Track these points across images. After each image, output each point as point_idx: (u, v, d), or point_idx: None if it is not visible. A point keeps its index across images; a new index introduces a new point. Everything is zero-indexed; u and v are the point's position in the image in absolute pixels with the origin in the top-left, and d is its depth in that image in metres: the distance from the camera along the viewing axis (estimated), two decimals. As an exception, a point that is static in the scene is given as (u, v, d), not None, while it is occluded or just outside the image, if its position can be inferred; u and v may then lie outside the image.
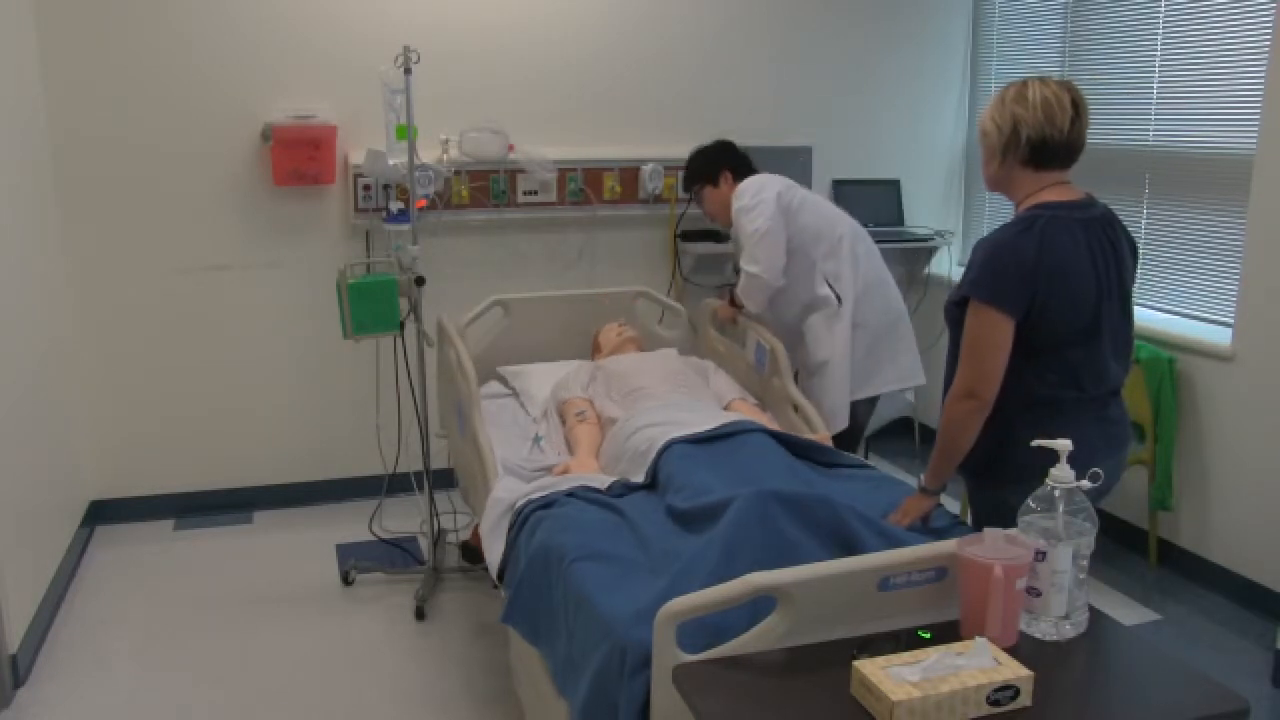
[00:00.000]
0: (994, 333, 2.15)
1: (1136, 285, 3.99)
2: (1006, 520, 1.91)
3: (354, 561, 3.68)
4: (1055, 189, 2.23)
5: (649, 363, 3.36)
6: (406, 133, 3.40)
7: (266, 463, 4.28)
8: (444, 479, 3.93)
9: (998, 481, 2.29)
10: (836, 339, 3.46)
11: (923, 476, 2.35)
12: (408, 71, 3.32)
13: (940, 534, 2.32)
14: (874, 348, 3.53)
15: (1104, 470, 2.01)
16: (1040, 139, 2.17)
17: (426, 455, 3.66)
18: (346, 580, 3.62)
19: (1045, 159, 2.20)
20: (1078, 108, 2.17)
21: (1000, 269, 2.16)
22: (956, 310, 2.26)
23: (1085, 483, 1.79)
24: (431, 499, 3.62)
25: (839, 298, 3.46)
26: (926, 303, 4.81)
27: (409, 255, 3.46)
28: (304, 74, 4.04)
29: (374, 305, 3.33)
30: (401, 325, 3.42)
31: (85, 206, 3.90)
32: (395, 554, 3.79)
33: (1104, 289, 2.22)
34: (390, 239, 3.89)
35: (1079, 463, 1.82)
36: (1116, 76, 4.13)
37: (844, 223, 3.53)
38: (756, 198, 3.45)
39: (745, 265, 3.47)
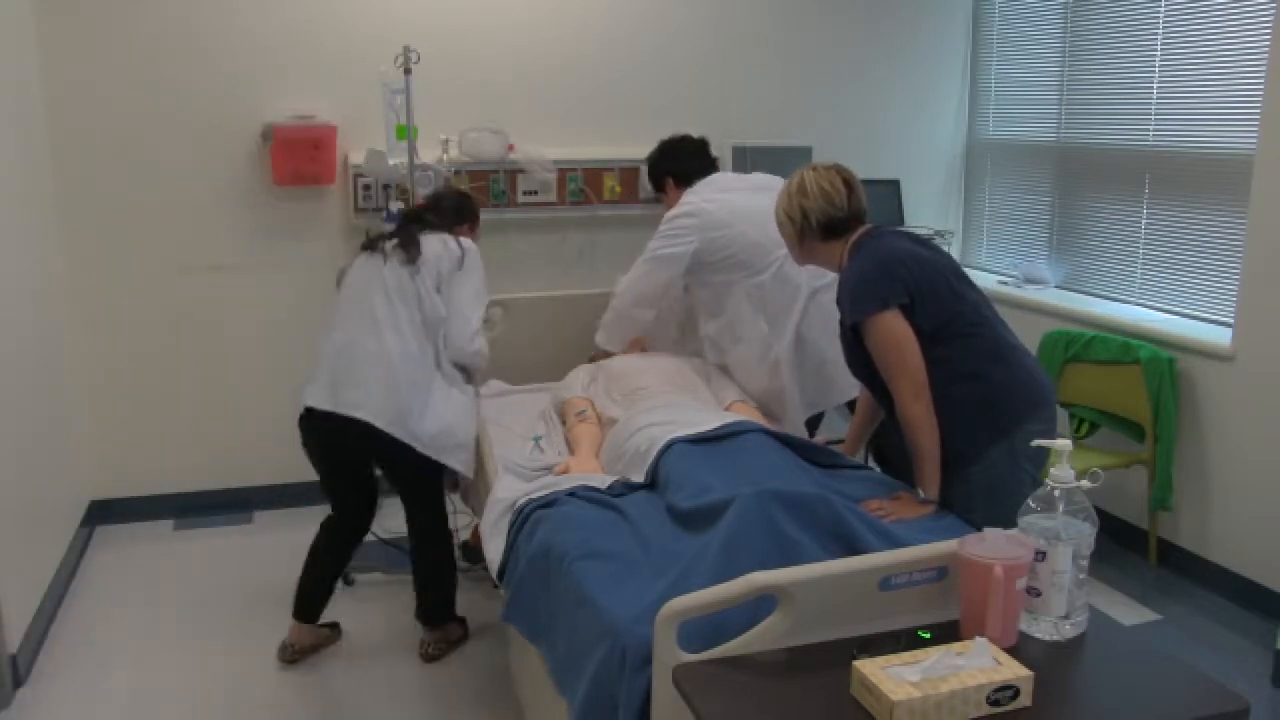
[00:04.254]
0: (896, 329, 2.38)
1: (1136, 285, 4.05)
2: (994, 498, 2.03)
3: (354, 561, 3.67)
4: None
5: (650, 363, 3.36)
6: (406, 133, 3.40)
7: (266, 463, 4.27)
8: (444, 479, 3.92)
9: (964, 461, 2.43)
10: (770, 365, 3.24)
11: (920, 491, 2.44)
12: (408, 71, 3.32)
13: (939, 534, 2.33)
14: (827, 361, 3.20)
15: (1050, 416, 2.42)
16: (826, 219, 2.53)
17: (426, 455, 3.66)
18: (346, 580, 3.62)
19: (836, 231, 2.55)
20: (850, 185, 2.55)
21: (866, 281, 2.42)
22: (858, 347, 2.48)
23: (1085, 482, 1.79)
24: (431, 499, 3.61)
25: (767, 323, 3.25)
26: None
27: (409, 255, 3.45)
28: (304, 74, 4.04)
29: (374, 305, 3.32)
30: (401, 325, 3.41)
31: (85, 206, 3.90)
32: (395, 554, 3.79)
33: (945, 261, 2.53)
34: (390, 239, 3.88)
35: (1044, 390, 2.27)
36: (1116, 76, 4.13)
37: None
38: (674, 224, 3.32)
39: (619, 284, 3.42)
